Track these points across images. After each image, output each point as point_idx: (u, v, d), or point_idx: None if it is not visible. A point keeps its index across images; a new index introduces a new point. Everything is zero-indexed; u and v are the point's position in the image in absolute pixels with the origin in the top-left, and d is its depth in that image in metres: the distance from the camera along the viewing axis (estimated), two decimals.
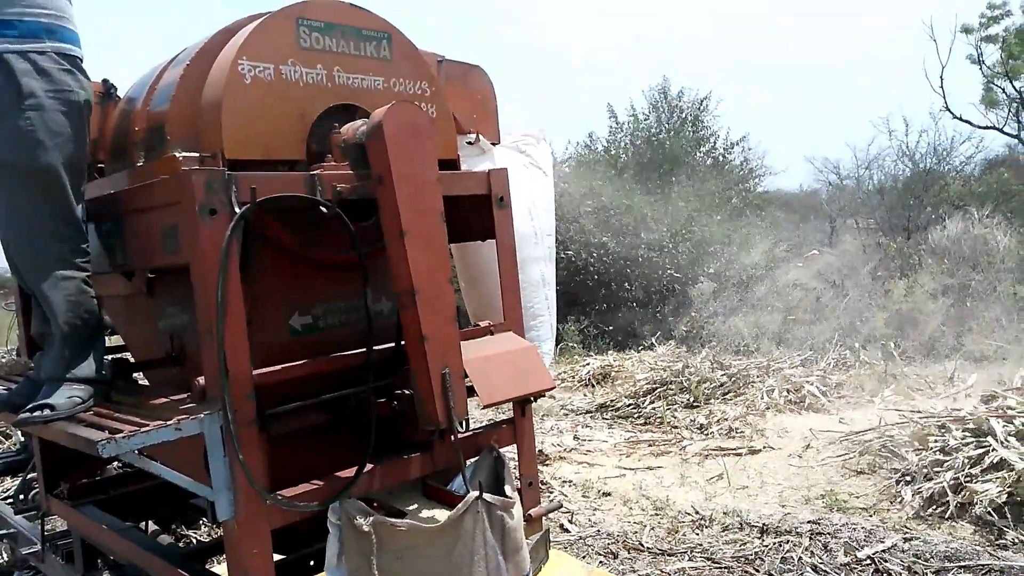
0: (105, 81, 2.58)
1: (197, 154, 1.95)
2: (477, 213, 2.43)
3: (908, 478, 4.32)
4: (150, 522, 3.26)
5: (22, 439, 4.18)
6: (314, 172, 2.00)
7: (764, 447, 5.30)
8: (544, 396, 2.76)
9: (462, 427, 2.03)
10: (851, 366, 7.33)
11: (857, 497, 4.29)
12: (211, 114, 1.95)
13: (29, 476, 3.63)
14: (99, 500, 2.92)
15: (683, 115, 16.62)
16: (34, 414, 2.02)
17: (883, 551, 3.49)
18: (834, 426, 5.57)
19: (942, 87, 14.30)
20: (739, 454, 5.17)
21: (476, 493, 2.04)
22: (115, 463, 3.36)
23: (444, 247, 2.02)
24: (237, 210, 1.78)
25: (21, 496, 3.65)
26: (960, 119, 15.15)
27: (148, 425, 1.73)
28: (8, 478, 4.41)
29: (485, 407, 2.25)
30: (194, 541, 3.86)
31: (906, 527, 3.83)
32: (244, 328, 1.81)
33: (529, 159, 2.89)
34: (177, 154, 1.94)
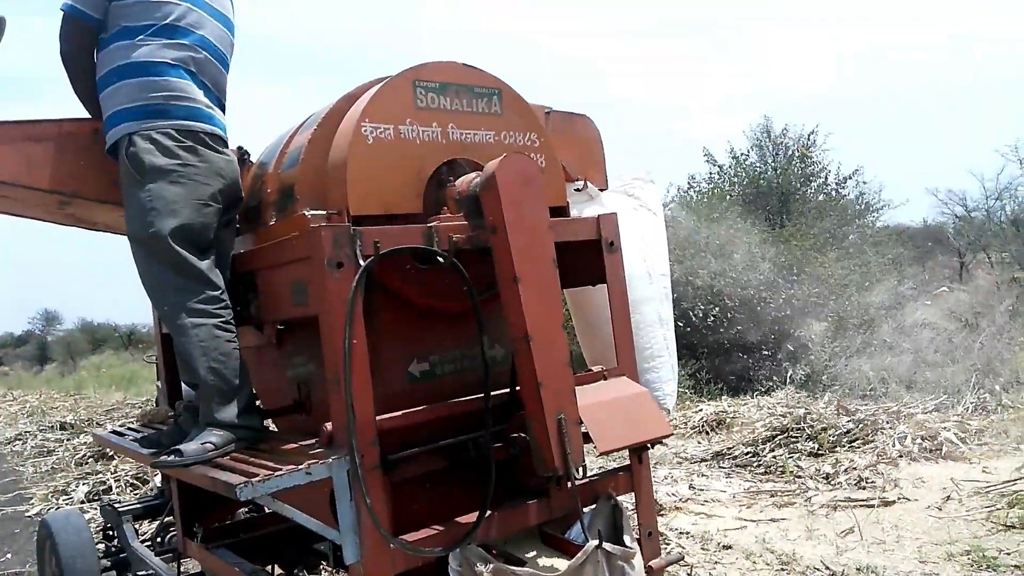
0: (239, 148, 2.78)
1: (324, 212, 2.07)
2: (588, 258, 2.45)
3: None
4: (276, 566, 3.38)
5: (159, 484, 4.44)
6: (431, 224, 2.08)
7: (899, 498, 4.94)
8: (661, 443, 2.70)
9: (579, 474, 2.02)
10: (992, 411, 6.78)
11: (1008, 553, 3.92)
12: (337, 174, 2.08)
13: (166, 520, 3.86)
14: (230, 543, 3.05)
15: (789, 152, 16.16)
16: (165, 459, 2.17)
17: None
18: (977, 475, 5.14)
19: None
20: (871, 506, 4.84)
21: (596, 542, 2.01)
22: (244, 508, 3.52)
23: (557, 293, 2.04)
24: (362, 263, 1.87)
25: (159, 539, 3.87)
26: None
27: (281, 469, 1.81)
28: (147, 521, 4.67)
29: (601, 454, 2.22)
30: None
31: None
32: (369, 376, 1.88)
33: (638, 201, 2.89)
34: (306, 213, 2.07)
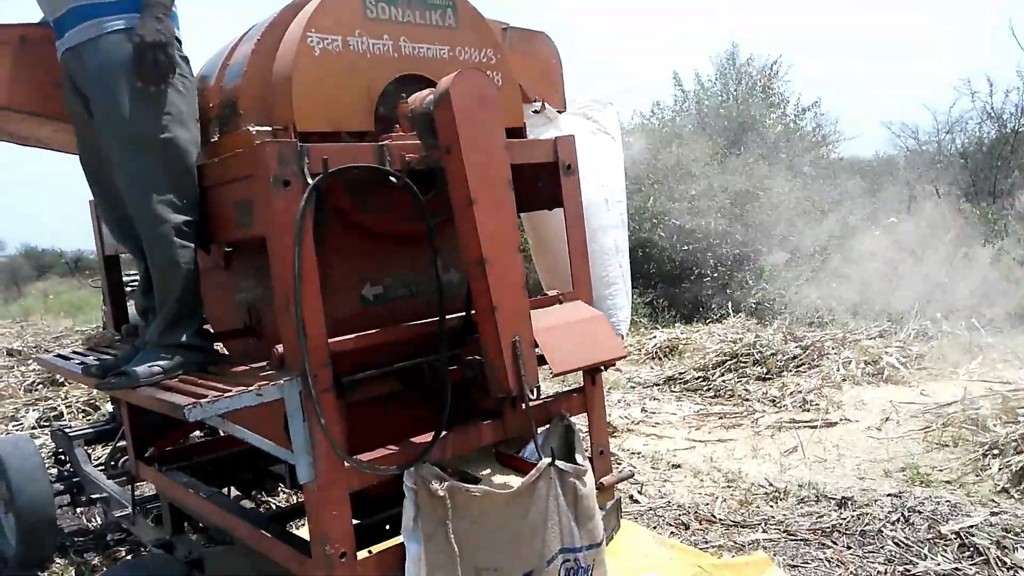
0: None
1: (269, 128, 1.98)
2: (545, 181, 2.41)
3: (995, 451, 4.14)
4: (232, 488, 3.39)
5: (111, 409, 4.39)
6: (383, 143, 2.01)
7: (841, 420, 5.15)
8: (614, 365, 2.73)
9: (533, 395, 2.03)
10: (932, 337, 7.04)
11: (940, 471, 4.13)
12: (282, 87, 1.98)
13: (119, 444, 3.83)
14: (184, 466, 3.04)
15: (752, 81, 16.10)
16: (112, 380, 2.12)
17: (970, 526, 3.36)
18: (915, 398, 5.37)
19: None
20: (814, 427, 5.04)
21: (549, 460, 2.05)
22: (198, 431, 3.50)
23: (513, 216, 2.01)
24: (310, 181, 1.81)
25: (112, 463, 3.86)
26: None
27: (231, 390, 1.78)
28: (99, 446, 4.64)
29: (556, 375, 2.24)
30: (273, 507, 4.00)
31: (993, 501, 3.67)
32: (319, 298, 1.84)
33: (597, 125, 2.84)
34: (250, 128, 1.98)
